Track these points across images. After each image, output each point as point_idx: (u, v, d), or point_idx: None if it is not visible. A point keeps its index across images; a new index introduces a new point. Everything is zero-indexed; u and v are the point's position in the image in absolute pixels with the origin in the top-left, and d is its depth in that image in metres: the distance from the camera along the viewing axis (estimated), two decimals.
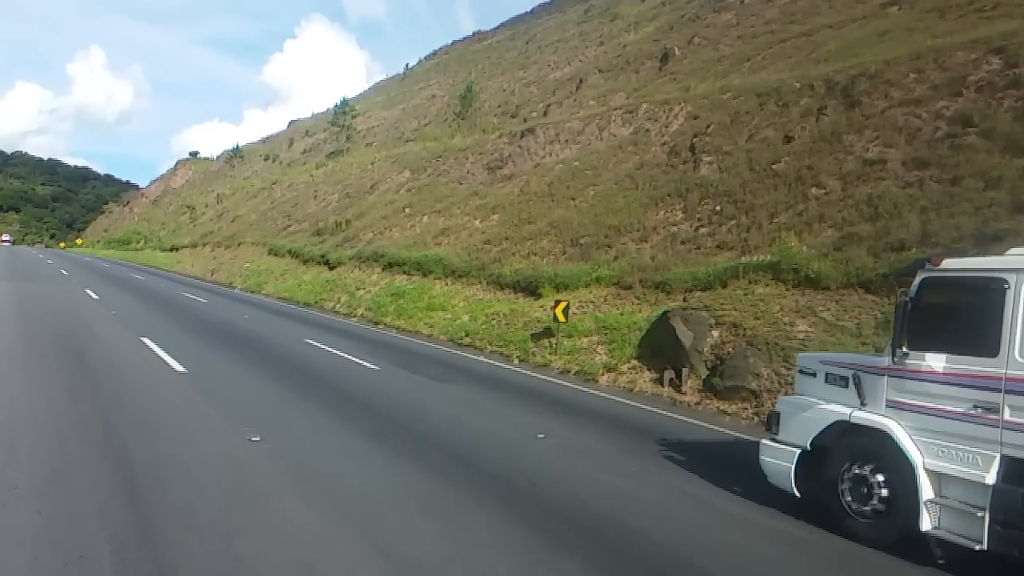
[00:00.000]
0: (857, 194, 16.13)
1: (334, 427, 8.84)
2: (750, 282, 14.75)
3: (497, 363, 16.73)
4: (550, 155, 29.48)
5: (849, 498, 6.51)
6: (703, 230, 18.83)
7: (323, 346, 16.35)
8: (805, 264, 14.04)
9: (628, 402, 12.84)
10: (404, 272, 26.73)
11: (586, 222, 22.12)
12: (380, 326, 23.29)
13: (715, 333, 13.64)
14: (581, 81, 41.23)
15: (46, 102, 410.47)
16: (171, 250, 63.14)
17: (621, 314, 16.90)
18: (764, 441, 7.39)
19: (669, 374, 13.66)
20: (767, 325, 13.05)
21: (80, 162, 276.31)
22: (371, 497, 6.29)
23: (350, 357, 14.81)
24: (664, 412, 12.06)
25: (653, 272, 17.70)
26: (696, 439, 10.05)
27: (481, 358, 17.37)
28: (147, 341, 14.16)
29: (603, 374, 14.86)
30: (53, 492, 5.76)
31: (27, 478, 6.01)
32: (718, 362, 13.11)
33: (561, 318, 16.53)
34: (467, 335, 19.62)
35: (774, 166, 19.01)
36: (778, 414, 7.32)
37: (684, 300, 15.46)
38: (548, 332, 17.48)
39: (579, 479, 7.43)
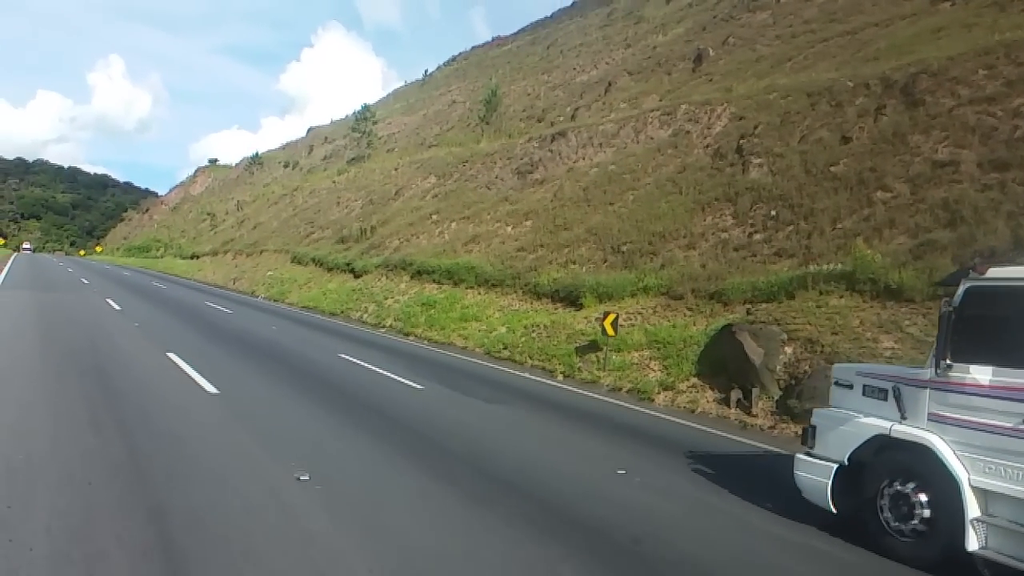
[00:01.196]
0: (929, 198, 15.00)
1: (389, 462, 7.83)
2: (821, 293, 13.63)
3: (541, 379, 15.72)
4: (583, 159, 28.47)
5: (889, 516, 6.24)
6: (757, 236, 17.74)
7: (358, 361, 15.39)
8: (883, 274, 12.91)
9: (694, 425, 11.77)
10: (434, 281, 25.78)
11: (627, 228, 21.06)
12: (411, 337, 22.35)
13: (788, 350, 12.53)
14: (610, 84, 40.27)
15: (67, 111, 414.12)
16: (192, 258, 62.67)
17: (673, 327, 15.84)
18: (799, 455, 7.13)
19: (736, 394, 12.57)
20: (847, 341, 11.92)
21: (100, 170, 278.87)
22: (457, 560, 5.27)
23: (389, 374, 13.82)
24: (738, 438, 10.98)
25: (706, 281, 16.63)
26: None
27: (523, 373, 16.36)
28: (173, 357, 13.25)
29: (659, 393, 13.79)
30: (75, 556, 4.79)
31: (45, 536, 5.05)
32: (793, 382, 12.00)
33: (610, 331, 15.49)
34: (505, 348, 18.62)
35: (832, 168, 17.91)
36: (814, 427, 7.08)
37: (748, 312, 14.34)
38: (594, 346, 16.44)
39: (697, 537, 6.36)
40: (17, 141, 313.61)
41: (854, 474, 6.57)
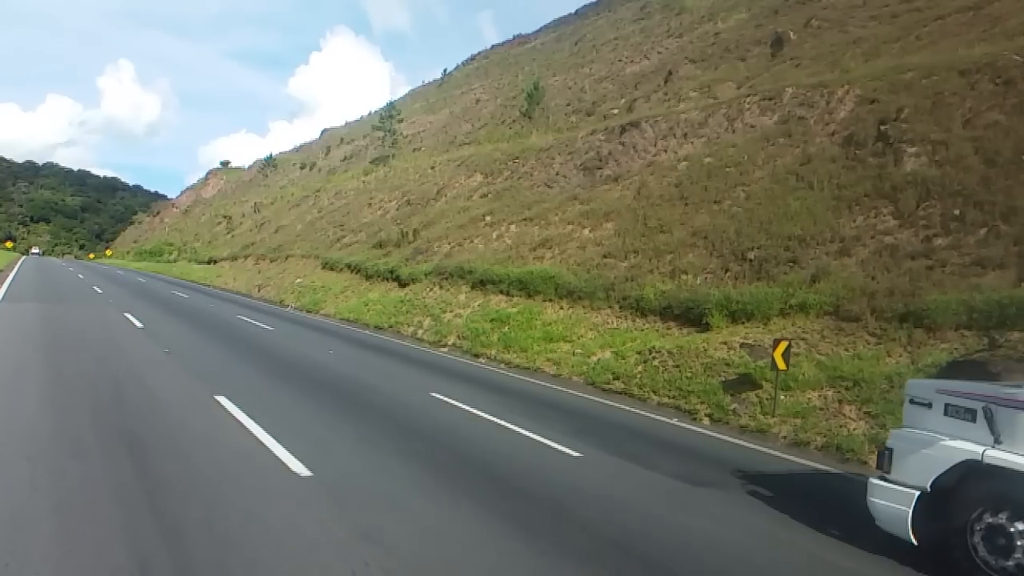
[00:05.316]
0: None
1: None
2: None
3: (687, 425, 12.22)
4: (665, 151, 24.94)
5: (983, 551, 5.63)
6: (940, 241, 14.20)
7: (458, 403, 11.86)
8: None
9: None
10: (501, 292, 22.27)
11: (751, 231, 17.52)
12: (481, 359, 18.91)
13: None
14: (670, 73, 36.75)
15: (76, 114, 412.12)
16: (209, 262, 59.25)
17: (858, 358, 12.32)
18: (873, 480, 6.55)
19: None
20: None
21: (109, 173, 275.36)
22: None
23: (521, 431, 10.16)
24: None
25: (888, 298, 13.10)
26: None
27: (651, 415, 12.92)
28: (227, 404, 9.83)
29: (872, 452, 10.21)
30: None
31: None
32: None
33: (781, 364, 11.96)
34: (616, 378, 15.12)
35: None
36: (890, 450, 6.49)
37: (991, 343, 10.73)
38: (749, 381, 12.95)
39: None
40: (27, 144, 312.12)
41: (938, 502, 6.02)
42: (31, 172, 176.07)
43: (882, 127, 18.08)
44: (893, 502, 6.25)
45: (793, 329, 13.80)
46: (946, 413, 6.21)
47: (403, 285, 27.79)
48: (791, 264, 15.86)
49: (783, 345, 11.98)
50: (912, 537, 6.06)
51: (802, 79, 24.31)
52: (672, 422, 12.22)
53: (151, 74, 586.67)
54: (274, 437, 8.21)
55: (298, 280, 36.74)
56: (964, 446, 5.91)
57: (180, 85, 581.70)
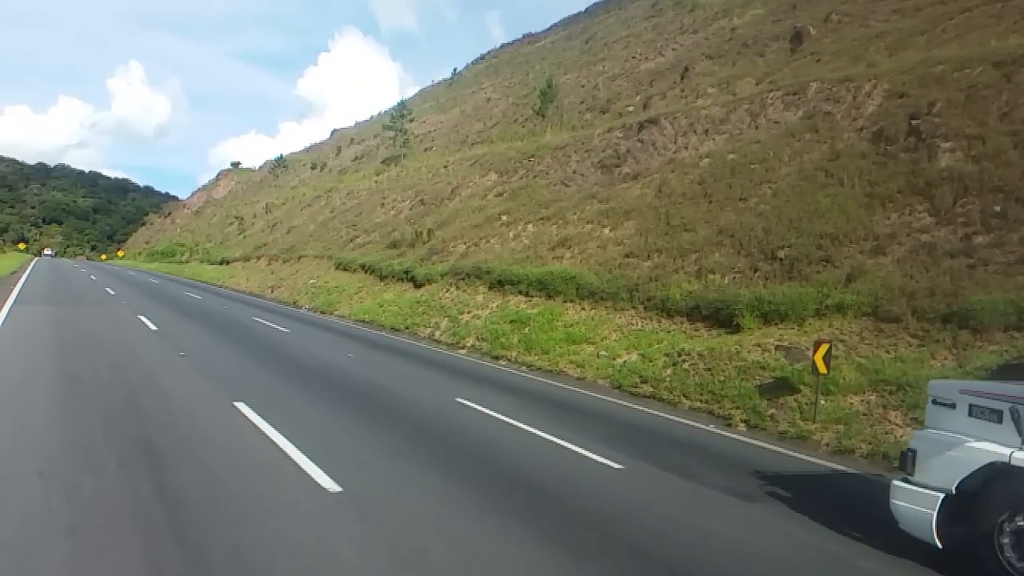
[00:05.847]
0: None
1: None
2: None
3: (724, 432, 11.73)
4: (686, 148, 24.42)
5: (1011, 554, 5.50)
6: (981, 239, 13.66)
7: (491, 411, 11.38)
8: None
9: None
10: (520, 292, 21.82)
11: (780, 229, 17.01)
12: (502, 361, 18.47)
13: None
14: (686, 69, 36.21)
15: (87, 116, 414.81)
16: (221, 263, 59.01)
17: (900, 360, 11.82)
18: (896, 482, 6.40)
19: None
20: None
21: (120, 174, 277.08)
22: None
23: (557, 440, 9.64)
24: None
25: (929, 298, 12.58)
26: None
27: (682, 419, 12.45)
28: (247, 412, 9.44)
29: None
30: None
31: None
32: None
33: (822, 367, 11.46)
34: (644, 382, 14.64)
35: None
36: (914, 452, 6.30)
37: None
38: (785, 385, 12.45)
39: None
40: (39, 146, 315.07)
41: (963, 505, 5.89)
42: (43, 174, 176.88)
43: (913, 122, 17.53)
44: (917, 504, 6.12)
45: (830, 330, 13.29)
46: (971, 414, 6.09)
47: (419, 286, 27.37)
48: (824, 263, 15.34)
49: (824, 347, 11.48)
50: (936, 540, 5.92)
51: (825, 74, 23.75)
52: (708, 428, 11.73)
53: (160, 75, 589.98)
54: (299, 448, 7.79)
55: (311, 281, 36.40)
56: (991, 448, 5.79)
57: (189, 86, 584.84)
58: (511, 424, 10.55)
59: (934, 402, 6.59)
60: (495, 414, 11.10)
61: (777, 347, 13.41)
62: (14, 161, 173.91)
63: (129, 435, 8.02)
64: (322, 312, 30.49)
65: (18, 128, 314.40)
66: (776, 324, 14.37)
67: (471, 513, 6.42)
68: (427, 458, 8.15)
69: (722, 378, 13.46)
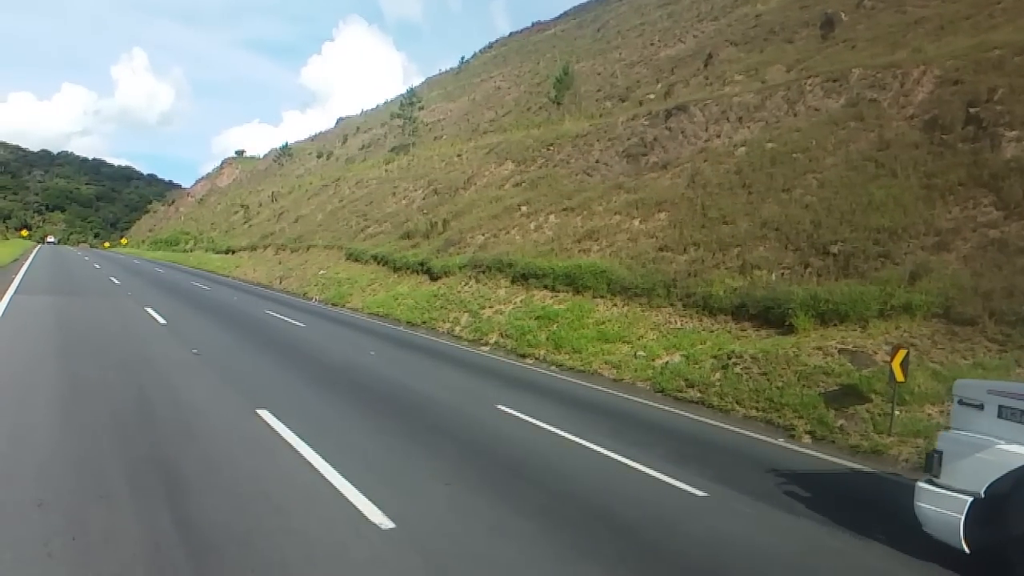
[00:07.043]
0: None
1: None
2: None
3: (794, 446, 10.68)
4: (718, 136, 23.32)
5: None
6: None
7: (540, 423, 10.30)
8: None
9: None
10: (545, 287, 20.80)
11: (831, 222, 15.94)
12: (529, 360, 17.46)
13: None
14: (710, 56, 35.08)
15: (91, 103, 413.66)
16: (227, 252, 57.98)
17: (981, 367, 10.80)
18: (921, 484, 6.16)
19: None
20: None
21: (123, 162, 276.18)
22: None
23: (624, 460, 8.43)
24: None
25: (1008, 299, 11.54)
26: None
27: (739, 429, 11.42)
28: (273, 422, 8.44)
29: None
30: None
31: None
32: None
33: (899, 375, 10.41)
34: (690, 386, 13.61)
35: None
36: (940, 453, 6.07)
37: None
38: (853, 393, 11.41)
39: None
40: (42, 133, 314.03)
41: (992, 509, 5.62)
42: (46, 161, 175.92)
43: (971, 110, 16.42)
44: (943, 508, 5.91)
45: (898, 333, 12.25)
46: (1000, 415, 5.89)
47: (435, 278, 26.34)
48: (882, 259, 14.28)
49: (902, 353, 10.43)
50: (964, 545, 5.72)
51: (864, 60, 22.62)
52: (778, 442, 10.68)
53: (164, 63, 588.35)
54: (337, 469, 6.79)
55: (321, 271, 35.39)
56: (1022, 450, 5.59)
57: (193, 74, 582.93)
58: (565, 438, 9.49)
59: (960, 403, 6.40)
60: (544, 425, 10.07)
61: (841, 351, 12.37)
62: (17, 148, 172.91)
63: (142, 453, 7.01)
64: (333, 304, 29.49)
65: (22, 115, 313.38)
66: (835, 325, 13.31)
67: (554, 558, 5.39)
68: (485, 483, 7.11)
69: (780, 384, 12.41)
